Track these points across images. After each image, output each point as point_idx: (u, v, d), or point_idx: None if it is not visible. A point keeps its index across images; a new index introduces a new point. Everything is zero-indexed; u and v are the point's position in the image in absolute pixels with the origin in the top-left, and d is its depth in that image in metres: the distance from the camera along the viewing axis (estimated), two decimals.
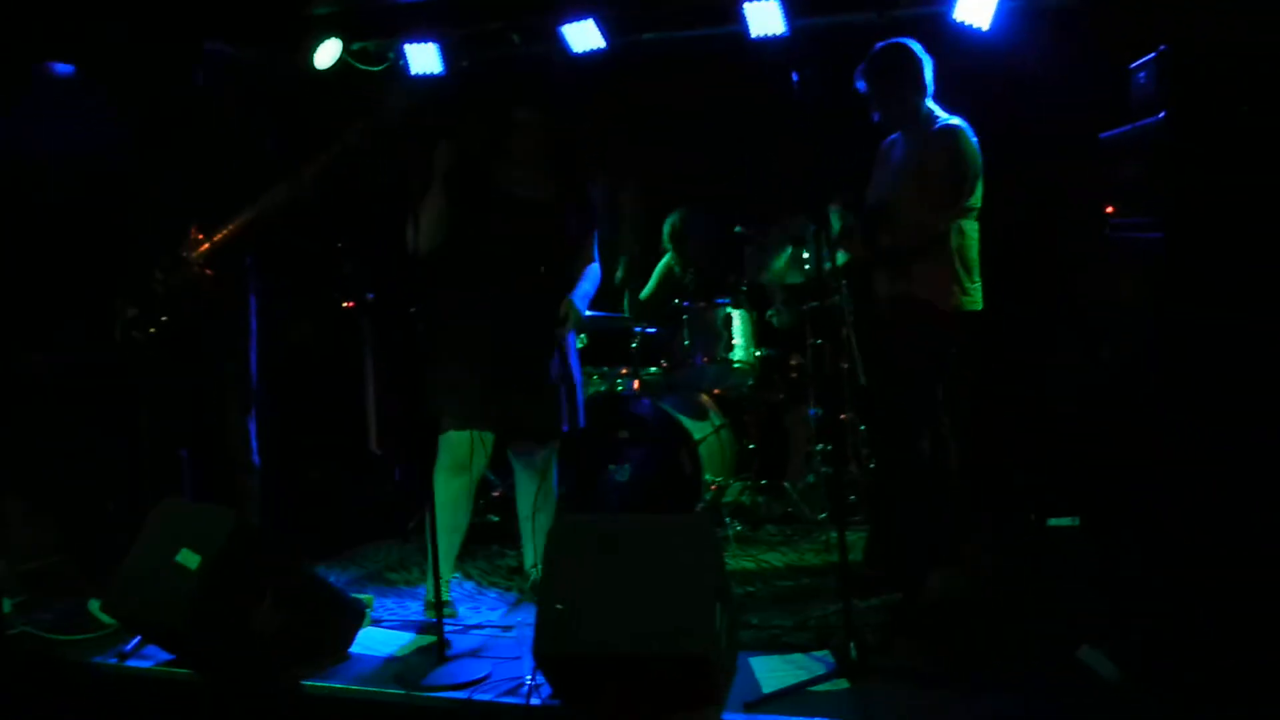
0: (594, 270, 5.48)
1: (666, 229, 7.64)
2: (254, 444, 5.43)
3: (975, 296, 5.19)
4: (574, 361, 5.43)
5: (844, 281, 4.99)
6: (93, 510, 6.02)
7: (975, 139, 5.12)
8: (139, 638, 4.84)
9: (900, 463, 5.29)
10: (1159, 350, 4.24)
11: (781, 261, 5.72)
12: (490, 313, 5.15)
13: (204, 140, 5.37)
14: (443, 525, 5.06)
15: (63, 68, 6.51)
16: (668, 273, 7.72)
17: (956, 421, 5.22)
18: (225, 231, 5.19)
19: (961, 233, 5.13)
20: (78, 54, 6.49)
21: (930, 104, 5.24)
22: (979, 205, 5.17)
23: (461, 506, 5.26)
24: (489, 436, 5.23)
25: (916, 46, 5.24)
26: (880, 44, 5.26)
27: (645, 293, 7.76)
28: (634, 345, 6.94)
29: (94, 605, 5.17)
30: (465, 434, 5.15)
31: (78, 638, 5.11)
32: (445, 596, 5.09)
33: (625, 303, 7.74)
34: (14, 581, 5.48)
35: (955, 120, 5.16)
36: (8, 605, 5.20)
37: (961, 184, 5.05)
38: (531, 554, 5.50)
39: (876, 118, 5.29)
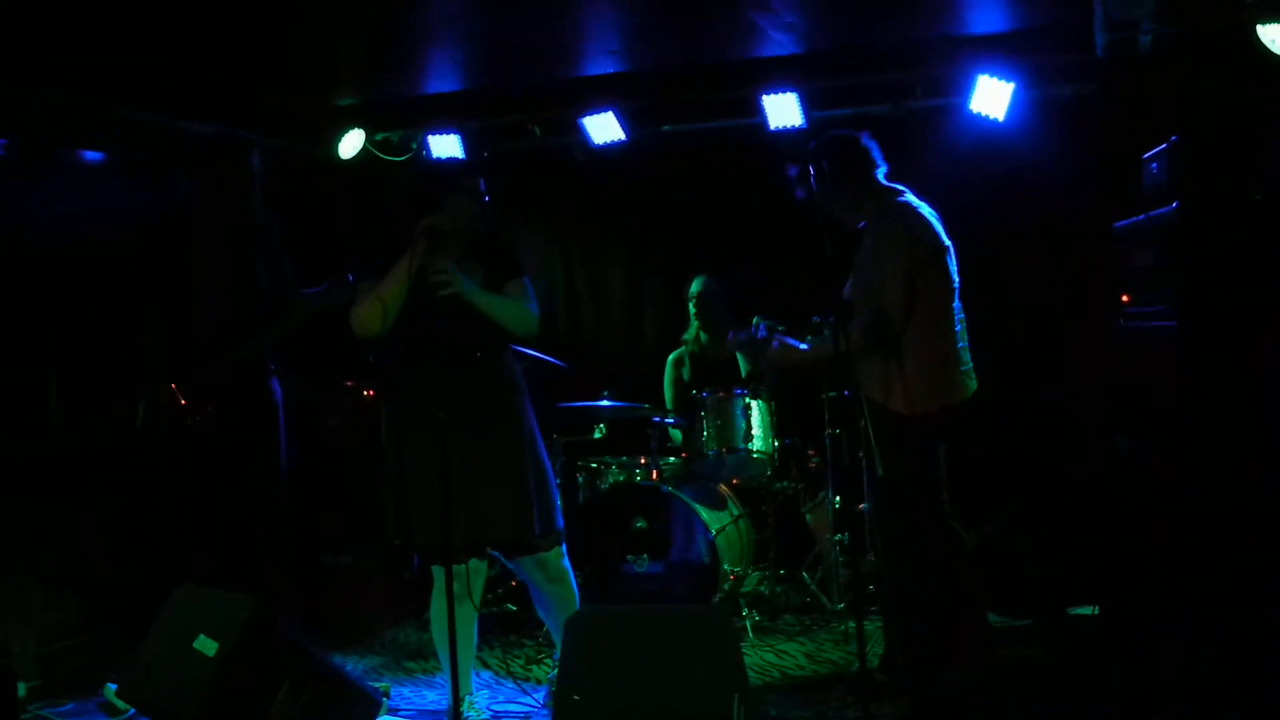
0: (514, 300, 4.87)
1: (693, 294, 7.45)
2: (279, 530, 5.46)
3: (943, 390, 4.85)
4: (543, 455, 4.94)
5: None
6: (114, 593, 6.02)
7: (924, 215, 4.86)
8: None
9: (894, 558, 5.04)
10: (1175, 438, 4.24)
11: None
12: (431, 429, 4.44)
13: (221, 234, 5.41)
14: (446, 656, 4.59)
15: (91, 154, 6.62)
16: (695, 353, 7.63)
17: (966, 510, 5.12)
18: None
19: (925, 325, 4.81)
20: (106, 141, 6.60)
21: (882, 193, 4.96)
22: (950, 286, 4.88)
23: (463, 637, 4.73)
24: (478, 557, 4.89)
25: (854, 136, 5.02)
26: (813, 142, 5.05)
27: (669, 385, 7.69)
28: (652, 435, 6.93)
29: (109, 690, 5.16)
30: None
31: None
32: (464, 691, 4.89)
33: (669, 391, 7.66)
34: (30, 665, 5.47)
35: (899, 201, 4.91)
36: (23, 689, 5.19)
37: (886, 264, 4.78)
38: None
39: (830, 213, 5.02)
